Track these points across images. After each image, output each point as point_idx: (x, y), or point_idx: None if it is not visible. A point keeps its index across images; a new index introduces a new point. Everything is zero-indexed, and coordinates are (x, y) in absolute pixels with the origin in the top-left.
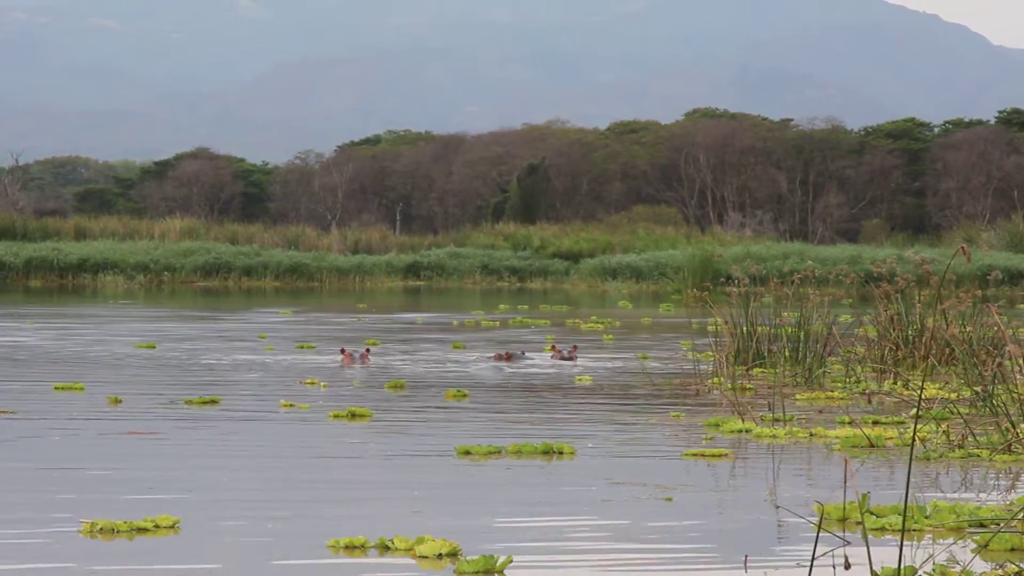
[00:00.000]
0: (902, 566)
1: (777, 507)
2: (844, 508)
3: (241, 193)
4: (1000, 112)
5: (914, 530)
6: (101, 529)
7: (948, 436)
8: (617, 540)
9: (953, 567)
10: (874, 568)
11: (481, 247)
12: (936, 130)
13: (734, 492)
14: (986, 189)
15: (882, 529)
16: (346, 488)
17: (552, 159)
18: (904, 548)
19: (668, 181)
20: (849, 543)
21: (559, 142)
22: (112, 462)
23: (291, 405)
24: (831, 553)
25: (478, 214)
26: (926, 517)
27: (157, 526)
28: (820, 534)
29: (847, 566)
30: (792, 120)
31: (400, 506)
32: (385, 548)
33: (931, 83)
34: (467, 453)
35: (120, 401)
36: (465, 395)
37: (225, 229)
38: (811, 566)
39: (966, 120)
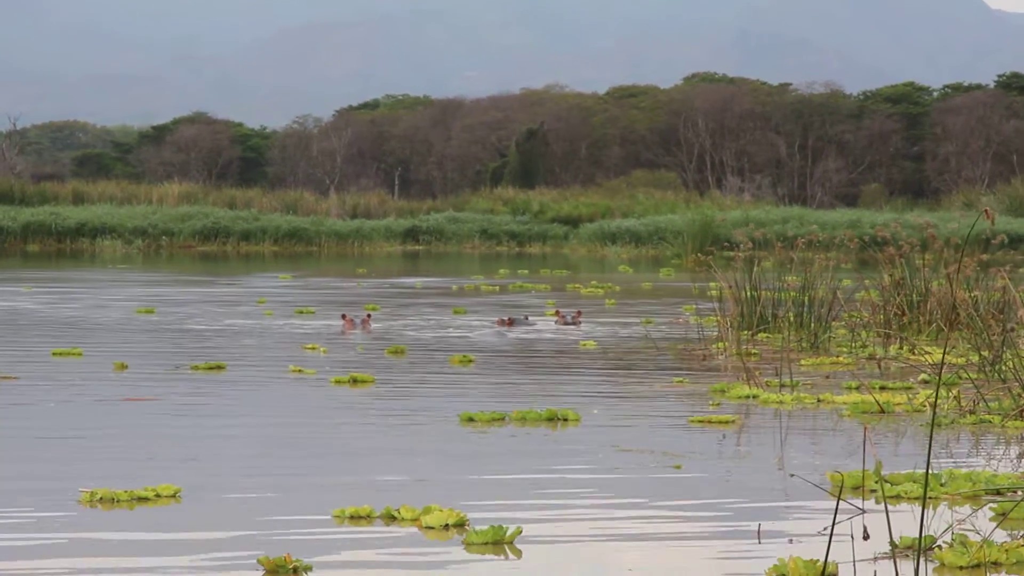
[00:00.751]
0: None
1: (791, 475)
2: (862, 476)
3: (239, 158)
4: (999, 76)
5: (930, 498)
6: (101, 499)
7: (959, 402)
8: (627, 509)
9: (973, 536)
10: (892, 538)
11: (480, 212)
12: (935, 94)
13: (743, 460)
14: (985, 153)
15: (897, 497)
16: (349, 456)
17: (551, 124)
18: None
19: (667, 146)
20: (865, 511)
21: (558, 107)
22: (111, 429)
23: (299, 371)
24: (847, 522)
25: (477, 179)
26: (941, 485)
27: (158, 495)
28: (833, 501)
29: (866, 536)
30: (791, 85)
31: (404, 474)
32: (391, 518)
33: (929, 48)
34: (470, 420)
35: (126, 367)
36: (471, 360)
37: (223, 194)
38: (830, 537)
39: (965, 84)
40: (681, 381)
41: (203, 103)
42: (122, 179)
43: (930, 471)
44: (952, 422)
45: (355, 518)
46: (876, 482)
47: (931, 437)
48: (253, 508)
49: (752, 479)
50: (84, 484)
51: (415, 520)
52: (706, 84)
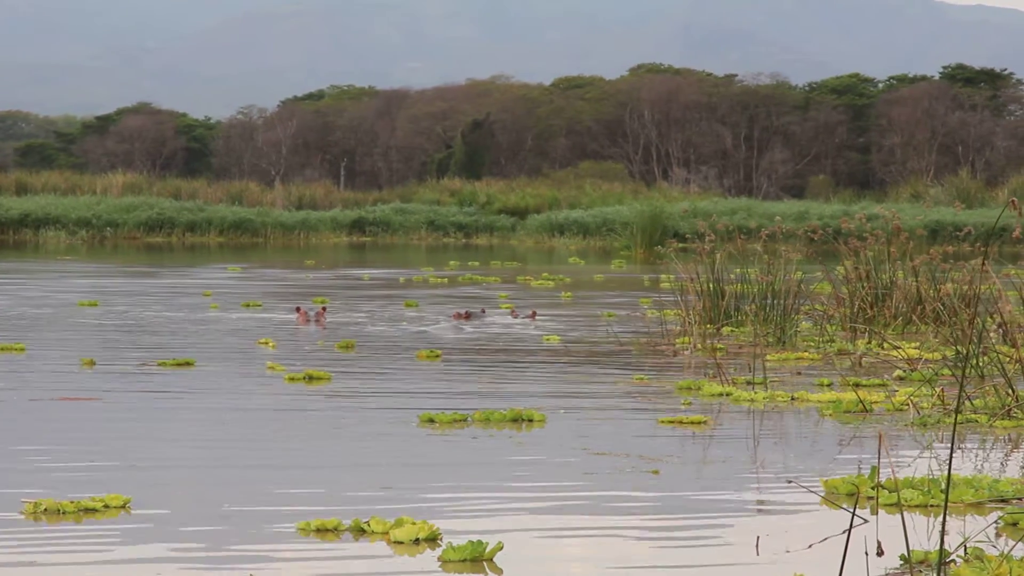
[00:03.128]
0: (931, 549)
1: (788, 481)
2: (880, 481)
3: (183, 148)
4: (944, 68)
5: (931, 506)
6: (45, 510)
7: (943, 401)
8: (608, 518)
9: (988, 549)
10: (907, 551)
11: (427, 203)
12: (880, 86)
13: (724, 464)
14: (930, 145)
15: (896, 505)
16: (308, 461)
17: (496, 115)
18: (923, 527)
19: (613, 137)
20: (866, 521)
21: (503, 97)
22: (51, 432)
23: (273, 368)
24: (847, 532)
25: (422, 170)
26: (942, 491)
27: (107, 506)
28: (829, 510)
29: (880, 552)
30: (737, 76)
31: (367, 481)
32: (360, 531)
33: (874, 41)
34: (431, 421)
35: (94, 363)
36: (438, 355)
37: (168, 184)
38: (844, 556)
39: (910, 76)
40: (641, 378)
41: (147, 93)
42: (66, 170)
43: (928, 476)
44: (937, 421)
45: (321, 531)
46: (872, 488)
47: (953, 441)
48: (211, 520)
49: (737, 486)
50: (26, 494)
51: (385, 533)
52: (652, 75)
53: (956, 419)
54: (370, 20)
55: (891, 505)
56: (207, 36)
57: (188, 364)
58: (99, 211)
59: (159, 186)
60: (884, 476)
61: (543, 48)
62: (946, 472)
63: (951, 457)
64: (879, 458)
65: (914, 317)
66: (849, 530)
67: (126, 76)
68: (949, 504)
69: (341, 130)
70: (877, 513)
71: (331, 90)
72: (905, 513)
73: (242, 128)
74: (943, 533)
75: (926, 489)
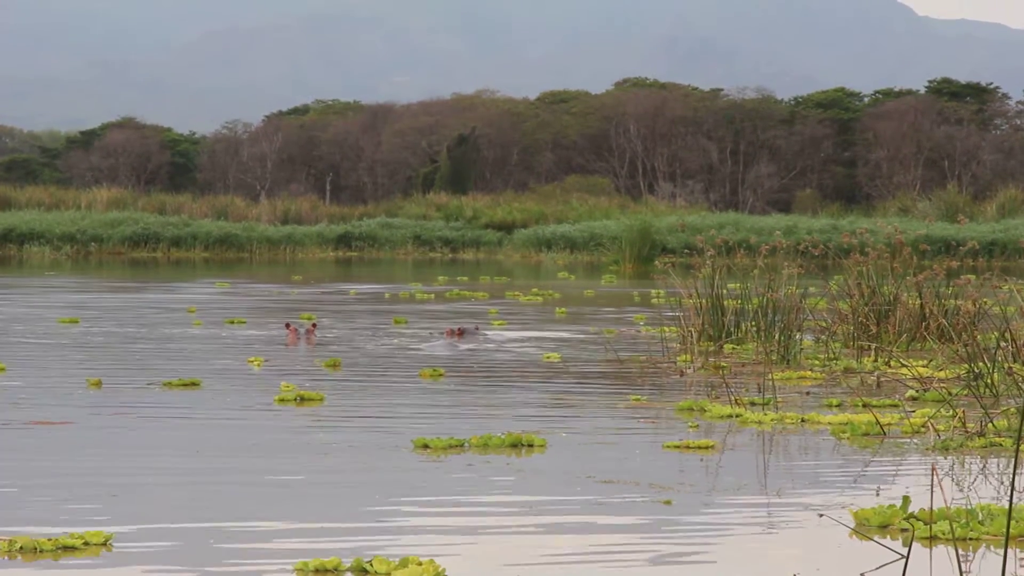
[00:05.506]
0: None
1: (820, 515)
2: (891, 513)
3: (168, 163)
4: (930, 82)
5: (970, 539)
6: (21, 548)
7: (964, 423)
8: (627, 557)
9: None
10: None
11: (413, 218)
12: (866, 100)
13: (740, 493)
14: (916, 159)
15: (933, 538)
16: (300, 491)
17: (482, 129)
18: (963, 561)
19: (598, 151)
20: (901, 556)
21: (489, 112)
22: (25, 459)
23: (290, 389)
24: (885, 568)
25: (408, 184)
26: (980, 523)
27: (86, 543)
28: (862, 543)
29: None
30: (722, 90)
31: (364, 514)
32: (363, 572)
33: (858, 55)
34: (425, 447)
35: (100, 384)
36: (441, 374)
37: (153, 199)
38: None
39: (896, 90)
40: (637, 399)
41: (131, 108)
42: (50, 184)
43: (963, 506)
44: (960, 445)
45: (320, 572)
46: (905, 520)
47: (1014, 470)
48: (201, 559)
49: (756, 516)
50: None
51: (388, 575)
52: (637, 90)
53: (1018, 446)
54: (355, 34)
55: (925, 538)
56: (192, 50)
57: (195, 385)
58: (84, 226)
59: (144, 201)
60: (917, 506)
61: (528, 62)
62: (983, 502)
63: (1012, 487)
64: (931, 491)
65: (918, 334)
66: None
67: (110, 90)
68: (988, 536)
69: (326, 144)
70: (910, 547)
71: (316, 104)
72: (942, 547)
73: (227, 143)
74: (1004, 564)
75: (963, 521)
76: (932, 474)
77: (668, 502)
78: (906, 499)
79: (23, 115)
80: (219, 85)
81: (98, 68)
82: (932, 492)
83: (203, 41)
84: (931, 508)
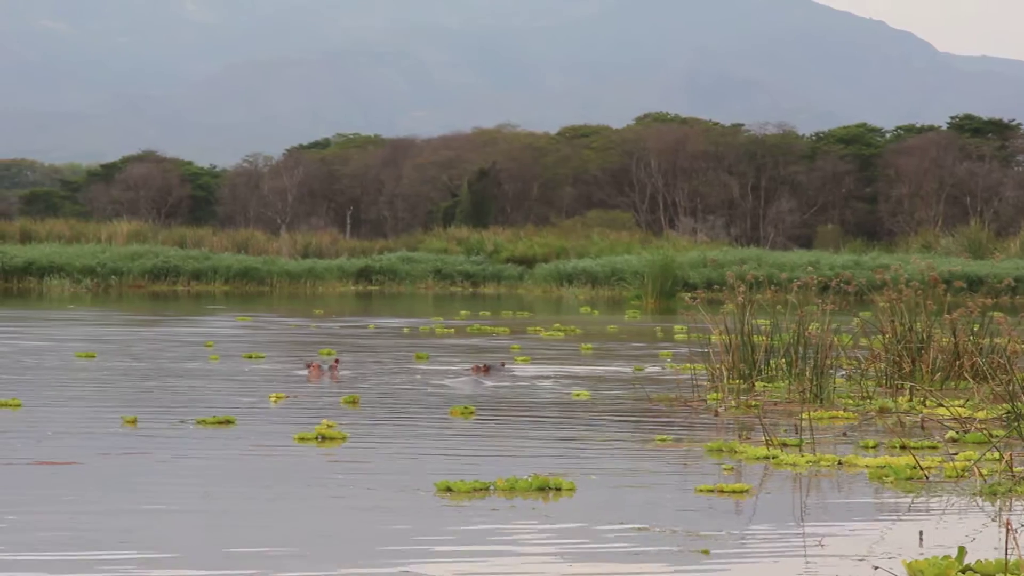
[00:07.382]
0: None
1: (875, 568)
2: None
3: (189, 196)
4: (952, 118)
5: None
6: None
7: (1011, 467)
8: None
9: None
10: None
11: (434, 251)
12: (888, 136)
13: (780, 542)
14: (938, 195)
15: None
16: (315, 535)
17: (502, 163)
18: None
19: (619, 186)
20: None
21: (509, 146)
22: (26, 503)
23: (330, 425)
24: None
25: (428, 219)
26: None
27: None
28: None
29: None
30: (743, 125)
31: (385, 561)
32: None
33: (879, 90)
34: (448, 490)
35: (135, 421)
36: (472, 412)
37: (173, 233)
38: None
39: (918, 126)
40: (663, 439)
41: (152, 142)
42: (70, 217)
43: (1020, 557)
44: (1008, 490)
45: None
46: (962, 572)
47: None
48: None
49: (800, 568)
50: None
51: None
52: (658, 124)
53: None
54: (376, 68)
55: None
56: (212, 84)
57: (229, 422)
58: (104, 259)
59: (164, 234)
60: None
61: (549, 97)
62: None
63: None
64: (1006, 548)
65: (952, 372)
66: None
67: (131, 124)
68: None
69: (347, 178)
70: None
71: (337, 138)
72: None
73: (248, 176)
74: None
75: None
76: (1007, 531)
77: (706, 551)
78: (961, 550)
79: (44, 148)
80: (239, 119)
81: (119, 102)
82: (1007, 547)
83: (223, 76)
84: (1006, 560)
